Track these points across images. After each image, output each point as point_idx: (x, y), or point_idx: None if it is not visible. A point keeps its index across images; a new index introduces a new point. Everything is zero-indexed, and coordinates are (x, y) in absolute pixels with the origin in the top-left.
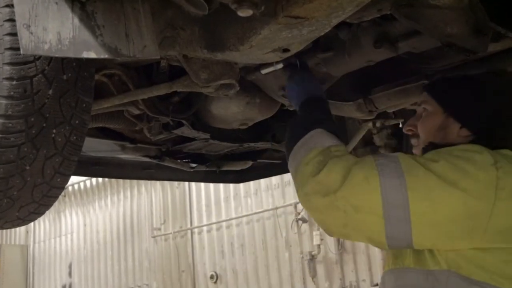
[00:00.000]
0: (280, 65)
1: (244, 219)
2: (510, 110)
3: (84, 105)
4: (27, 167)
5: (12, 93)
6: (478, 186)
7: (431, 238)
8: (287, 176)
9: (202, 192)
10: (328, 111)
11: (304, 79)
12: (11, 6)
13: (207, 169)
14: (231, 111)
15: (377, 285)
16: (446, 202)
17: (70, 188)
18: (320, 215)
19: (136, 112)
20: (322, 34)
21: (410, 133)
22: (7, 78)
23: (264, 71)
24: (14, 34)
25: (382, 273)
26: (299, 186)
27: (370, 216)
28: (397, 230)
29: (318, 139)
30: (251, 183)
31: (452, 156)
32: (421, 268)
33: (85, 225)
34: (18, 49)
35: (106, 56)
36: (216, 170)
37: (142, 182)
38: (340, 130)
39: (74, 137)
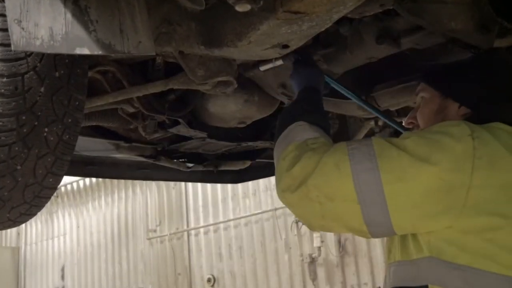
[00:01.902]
0: (280, 62)
1: (242, 220)
2: (503, 84)
3: (77, 103)
4: (18, 167)
5: (2, 90)
6: (454, 158)
7: (410, 219)
8: None
9: (199, 193)
10: (318, 102)
11: (302, 70)
12: (1, 0)
13: (204, 169)
14: (229, 109)
15: None
16: (419, 180)
17: (62, 188)
18: (297, 210)
19: (131, 110)
20: (323, 29)
21: (411, 126)
22: None
23: (262, 68)
24: (4, 30)
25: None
26: (276, 183)
27: (345, 203)
28: (374, 215)
29: (297, 133)
30: (250, 183)
31: (428, 132)
32: (408, 259)
33: (78, 226)
34: (9, 45)
35: (100, 52)
36: (213, 170)
37: (137, 182)
38: (327, 122)
39: (67, 136)
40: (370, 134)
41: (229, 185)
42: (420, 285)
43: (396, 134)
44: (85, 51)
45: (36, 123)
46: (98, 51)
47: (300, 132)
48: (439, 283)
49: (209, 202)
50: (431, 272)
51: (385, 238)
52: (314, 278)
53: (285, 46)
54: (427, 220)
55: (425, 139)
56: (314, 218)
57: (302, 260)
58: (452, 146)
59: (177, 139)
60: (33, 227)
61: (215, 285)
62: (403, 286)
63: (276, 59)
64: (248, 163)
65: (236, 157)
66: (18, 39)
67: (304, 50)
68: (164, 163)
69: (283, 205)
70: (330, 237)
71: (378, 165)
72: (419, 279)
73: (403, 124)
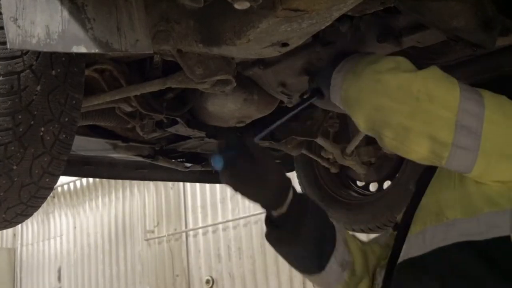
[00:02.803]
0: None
1: (242, 221)
2: None
3: (74, 102)
4: (14, 167)
5: None
6: None
7: (497, 156)
8: None
9: (197, 193)
10: None
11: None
12: None
13: (203, 169)
14: (228, 108)
15: None
16: None
17: (59, 188)
18: (383, 100)
19: (128, 109)
20: (323, 27)
21: None
22: None
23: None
24: (0, 28)
25: (407, 238)
26: (365, 65)
27: (443, 110)
28: (466, 134)
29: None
30: None
31: None
32: (474, 214)
33: (75, 227)
34: (5, 43)
35: (97, 50)
36: (212, 170)
37: (134, 182)
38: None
39: (64, 135)
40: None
41: None
42: (498, 237)
43: None
44: (82, 50)
45: (32, 122)
46: (95, 50)
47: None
48: None
49: (208, 203)
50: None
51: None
52: None
53: (285, 44)
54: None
55: None
56: (401, 114)
57: None
58: None
59: (175, 139)
60: (29, 228)
61: (214, 286)
62: (470, 240)
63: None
64: None
65: None
66: (14, 37)
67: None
68: (162, 163)
69: None
70: None
71: (481, 93)
72: (495, 231)
73: None
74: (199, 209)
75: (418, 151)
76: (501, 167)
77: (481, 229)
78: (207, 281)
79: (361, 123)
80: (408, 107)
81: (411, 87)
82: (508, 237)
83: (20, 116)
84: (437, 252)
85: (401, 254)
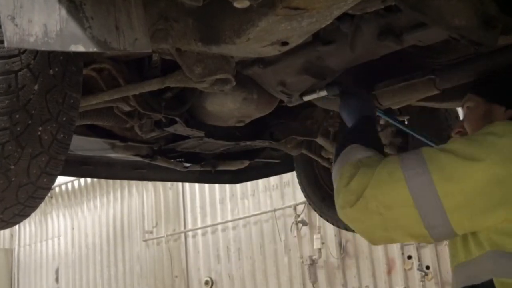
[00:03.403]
0: (324, 93)
1: (241, 221)
2: None
3: (72, 101)
4: (12, 167)
5: None
6: (498, 152)
7: (467, 216)
8: (286, 177)
9: (196, 193)
10: (372, 129)
11: (352, 102)
12: None
13: (202, 169)
14: (227, 107)
15: None
16: (469, 177)
17: (57, 189)
18: (359, 225)
19: (127, 108)
20: (323, 26)
21: (459, 134)
22: None
23: (306, 98)
24: None
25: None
26: (335, 202)
27: (403, 209)
28: (432, 217)
29: (352, 154)
30: (248, 183)
31: (473, 135)
32: (471, 258)
33: (73, 228)
34: (2, 42)
35: (95, 49)
36: (211, 170)
37: (133, 182)
38: (381, 144)
39: (61, 135)
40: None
41: (227, 186)
42: (485, 280)
43: (400, 134)
44: (80, 48)
45: (29, 121)
46: (93, 48)
47: (354, 152)
48: (505, 274)
49: (207, 203)
50: (495, 266)
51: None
52: (314, 281)
53: (285, 43)
54: (484, 215)
55: (470, 141)
56: (377, 230)
57: (302, 262)
58: (496, 141)
59: (174, 138)
60: (26, 229)
61: (213, 287)
62: (468, 285)
63: (320, 90)
64: (246, 163)
65: (235, 157)
66: (12, 36)
67: (348, 80)
68: (160, 162)
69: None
70: (331, 238)
71: (428, 168)
72: (483, 275)
73: (452, 134)
74: (198, 210)
75: (410, 242)
76: (476, 222)
77: (476, 273)
78: (206, 282)
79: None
80: (377, 222)
81: (369, 208)
82: (491, 280)
83: (17, 116)
84: None
85: None
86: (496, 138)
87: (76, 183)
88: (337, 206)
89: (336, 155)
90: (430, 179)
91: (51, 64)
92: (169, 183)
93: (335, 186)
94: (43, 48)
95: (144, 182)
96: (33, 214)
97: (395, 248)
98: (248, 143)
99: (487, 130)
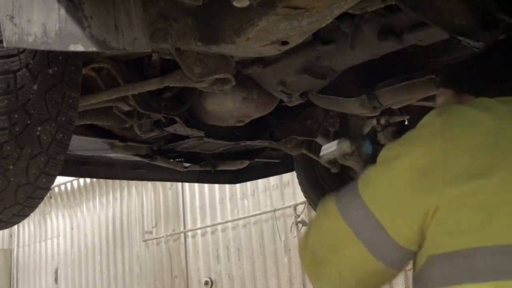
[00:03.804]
0: (335, 147)
1: (241, 222)
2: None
3: (71, 101)
4: (11, 167)
5: None
6: (421, 143)
7: (404, 222)
8: (286, 177)
9: (196, 194)
10: None
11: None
12: None
13: (201, 169)
14: (227, 107)
15: None
16: (393, 177)
17: (56, 189)
18: (317, 279)
19: (126, 108)
20: (323, 25)
21: None
22: None
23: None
24: None
25: None
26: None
27: (348, 247)
28: (376, 242)
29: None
30: (248, 183)
31: (407, 132)
32: (414, 275)
33: (72, 228)
34: (1, 41)
35: (94, 49)
36: (210, 170)
37: (132, 182)
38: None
39: (61, 135)
40: (372, 132)
41: (227, 186)
42: None
43: (400, 134)
44: (79, 48)
45: (28, 121)
46: (92, 48)
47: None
48: (443, 281)
49: (207, 203)
50: (433, 274)
51: None
52: None
53: (285, 43)
54: (418, 210)
55: (397, 141)
56: (335, 281)
57: None
58: (418, 134)
59: (173, 138)
60: (25, 229)
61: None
62: None
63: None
64: (246, 163)
65: (234, 157)
66: (11, 35)
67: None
68: (160, 162)
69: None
70: None
71: (359, 191)
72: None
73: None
74: (197, 210)
75: (383, 285)
76: (411, 218)
77: None
78: (206, 283)
79: None
80: (332, 271)
81: (316, 258)
82: None
83: (16, 116)
84: None
85: None
86: (418, 130)
87: (75, 183)
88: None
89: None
90: (361, 201)
91: (50, 64)
92: (168, 183)
93: None
94: (42, 48)
95: (144, 182)
96: (32, 214)
97: None
98: (248, 143)
99: (418, 124)
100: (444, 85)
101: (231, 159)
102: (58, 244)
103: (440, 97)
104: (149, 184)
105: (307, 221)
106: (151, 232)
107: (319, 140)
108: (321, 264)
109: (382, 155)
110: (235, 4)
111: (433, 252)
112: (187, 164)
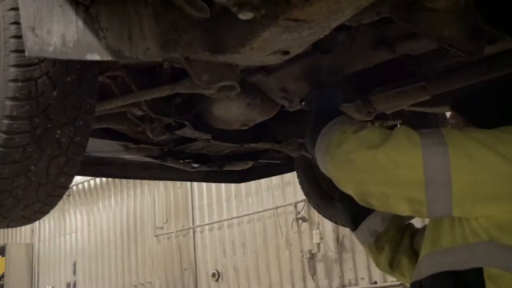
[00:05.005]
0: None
1: (245, 218)
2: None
3: (88, 106)
4: (32, 167)
5: (17, 94)
6: None
7: (471, 199)
8: (287, 176)
9: (204, 192)
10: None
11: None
12: (16, 9)
13: (209, 169)
14: (232, 112)
15: (375, 283)
16: (485, 162)
17: (74, 187)
18: (360, 175)
19: (139, 113)
20: (322, 36)
21: None
22: (12, 80)
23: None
24: (19, 37)
25: (418, 261)
26: (336, 146)
27: (410, 172)
28: (436, 188)
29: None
30: (252, 183)
31: (489, 131)
32: (459, 244)
33: (89, 224)
34: (23, 51)
35: (110, 58)
36: (217, 170)
37: (145, 182)
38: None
39: (78, 138)
40: None
41: (233, 185)
42: (472, 268)
43: None
44: (96, 57)
45: (49, 125)
46: (108, 57)
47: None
48: (498, 265)
49: (214, 201)
50: (487, 255)
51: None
52: (313, 273)
53: (286, 52)
54: (488, 202)
55: (488, 132)
56: (376, 184)
57: (302, 256)
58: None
59: (183, 141)
60: (46, 225)
61: (219, 279)
62: (447, 270)
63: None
64: (250, 164)
65: (239, 158)
66: (32, 45)
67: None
68: (170, 163)
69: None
70: (329, 234)
71: (446, 141)
72: (471, 262)
73: None
74: (205, 207)
75: (402, 211)
76: (476, 208)
77: (462, 259)
78: (213, 274)
79: (354, 196)
80: (380, 176)
81: (378, 160)
82: (481, 268)
83: (37, 120)
84: (428, 279)
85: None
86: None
87: (92, 182)
88: (338, 151)
89: (324, 122)
90: (447, 151)
91: (68, 72)
92: (178, 182)
93: (333, 138)
94: (61, 57)
95: (155, 182)
96: (52, 211)
97: None
98: (252, 145)
99: (504, 128)
100: (456, 111)
101: (236, 160)
102: (76, 239)
103: (451, 120)
104: (160, 183)
105: (306, 217)
106: (162, 228)
107: None
108: (376, 166)
109: (476, 134)
110: (240, 17)
111: (493, 240)
112: (195, 165)
